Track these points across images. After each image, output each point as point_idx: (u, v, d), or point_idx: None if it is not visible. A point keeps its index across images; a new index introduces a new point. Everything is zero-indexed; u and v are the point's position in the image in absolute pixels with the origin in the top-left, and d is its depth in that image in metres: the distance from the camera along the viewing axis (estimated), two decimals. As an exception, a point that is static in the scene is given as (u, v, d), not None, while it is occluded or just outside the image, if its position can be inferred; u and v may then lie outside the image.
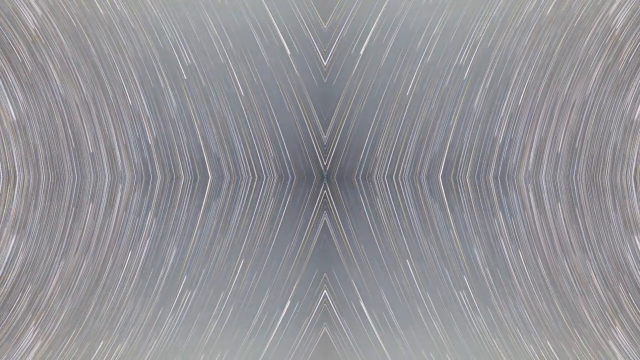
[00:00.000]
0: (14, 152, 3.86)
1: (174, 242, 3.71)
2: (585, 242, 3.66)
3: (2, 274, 3.67)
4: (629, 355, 3.23)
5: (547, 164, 3.73)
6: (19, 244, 3.76)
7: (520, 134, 3.74)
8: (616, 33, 3.62)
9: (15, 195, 3.81)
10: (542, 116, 3.72)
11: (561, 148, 3.71)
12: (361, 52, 3.75)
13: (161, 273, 3.66)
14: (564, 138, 3.72)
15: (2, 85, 3.82)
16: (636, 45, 3.65)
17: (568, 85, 3.70)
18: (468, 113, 3.74)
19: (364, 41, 3.76)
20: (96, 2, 3.77)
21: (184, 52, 3.83)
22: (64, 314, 3.45)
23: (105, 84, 3.82)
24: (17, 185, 3.83)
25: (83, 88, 3.82)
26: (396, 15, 3.77)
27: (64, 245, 3.75)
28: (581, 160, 3.71)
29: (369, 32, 3.75)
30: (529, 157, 3.74)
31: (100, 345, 3.27)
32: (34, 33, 3.79)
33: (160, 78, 3.82)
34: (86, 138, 3.85)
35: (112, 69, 3.82)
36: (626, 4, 3.61)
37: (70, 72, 3.82)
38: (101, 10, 3.77)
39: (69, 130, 3.85)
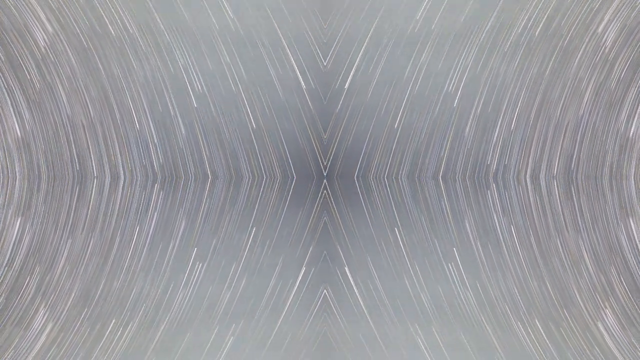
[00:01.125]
0: (16, 169, 3.82)
1: (182, 214, 3.69)
2: (580, 222, 3.64)
3: (9, 257, 3.62)
4: (618, 340, 3.18)
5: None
6: (24, 226, 3.70)
7: (515, 160, 3.72)
8: (606, 50, 3.60)
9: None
10: (536, 140, 3.72)
11: (557, 171, 3.71)
12: (346, 87, 3.72)
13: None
14: (559, 161, 3.71)
15: (9, 102, 3.77)
16: (627, 61, 3.63)
17: (561, 106, 3.68)
18: (459, 142, 3.67)
19: (348, 75, 3.72)
20: (107, 22, 3.73)
21: (195, 79, 3.79)
22: (73, 294, 3.41)
23: (113, 107, 3.79)
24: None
25: (90, 109, 3.79)
26: (381, 46, 3.70)
27: (69, 225, 3.70)
28: (578, 181, 3.70)
29: (353, 65, 3.71)
30: (525, 183, 3.71)
31: (111, 325, 3.24)
32: (43, 51, 3.75)
33: (169, 104, 3.78)
34: (91, 160, 3.81)
35: (121, 91, 3.78)
36: (615, 20, 3.59)
37: (78, 92, 3.78)
38: (112, 31, 3.73)
39: (74, 152, 3.81)
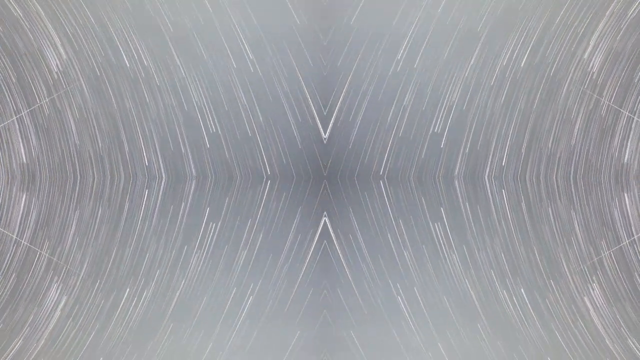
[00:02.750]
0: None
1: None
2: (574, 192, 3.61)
3: (18, 234, 3.57)
4: (603, 314, 3.18)
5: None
6: (30, 200, 3.63)
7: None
8: (594, 77, 3.56)
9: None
10: (529, 175, 3.62)
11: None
12: (326, 137, 3.59)
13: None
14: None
15: (16, 125, 3.67)
16: (616, 86, 3.58)
17: (552, 138, 3.61)
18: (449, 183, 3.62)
19: (329, 120, 3.59)
20: (123, 53, 3.60)
21: (209, 119, 3.66)
22: (85, 265, 3.39)
23: (122, 141, 3.67)
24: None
25: (99, 141, 3.67)
26: (363, 87, 3.57)
27: (76, 194, 3.61)
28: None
29: (334, 110, 3.58)
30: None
31: (126, 293, 3.23)
32: (55, 77, 3.63)
33: (181, 143, 3.66)
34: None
35: (132, 126, 3.67)
36: (600, 44, 3.55)
37: (88, 123, 3.67)
38: (127, 63, 3.60)
39: (78, 182, 3.71)
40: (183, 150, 3.70)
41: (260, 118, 3.70)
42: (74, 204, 3.69)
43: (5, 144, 3.72)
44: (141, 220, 3.65)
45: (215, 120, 3.69)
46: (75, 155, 3.72)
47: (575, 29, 3.57)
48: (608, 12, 3.55)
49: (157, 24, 3.63)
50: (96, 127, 3.70)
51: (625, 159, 3.63)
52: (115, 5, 3.62)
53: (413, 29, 3.60)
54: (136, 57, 3.65)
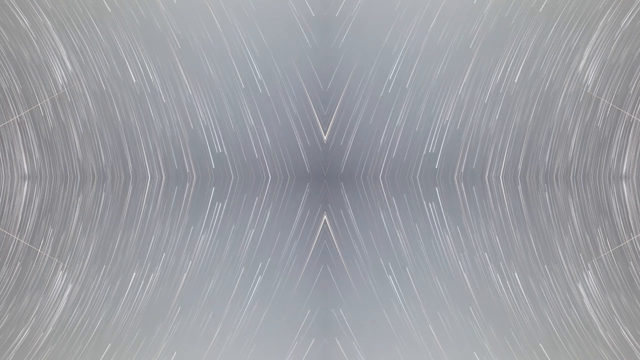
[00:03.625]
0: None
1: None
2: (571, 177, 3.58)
3: (21, 222, 3.53)
4: (597, 302, 3.15)
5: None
6: (32, 187, 3.60)
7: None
8: (589, 89, 3.52)
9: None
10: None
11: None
12: (326, 172, 3.53)
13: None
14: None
15: (19, 136, 3.61)
16: (612, 97, 3.54)
17: (548, 153, 3.57)
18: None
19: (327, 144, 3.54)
20: (130, 68, 3.53)
21: (215, 139, 3.59)
22: (90, 251, 3.35)
23: (126, 157, 3.61)
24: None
25: (102, 157, 3.61)
26: (353, 110, 3.50)
27: (78, 180, 3.57)
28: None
29: (325, 130, 3.51)
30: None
31: (132, 277, 3.19)
32: (61, 89, 3.56)
33: (186, 162, 3.59)
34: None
35: (136, 143, 3.60)
36: (595, 56, 3.51)
37: (92, 138, 3.61)
38: (133, 78, 3.54)
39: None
40: (187, 170, 3.63)
41: (268, 140, 3.63)
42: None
43: (7, 156, 3.66)
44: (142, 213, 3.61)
45: (222, 140, 3.62)
46: (78, 170, 3.66)
47: (569, 41, 3.52)
48: (601, 23, 3.50)
49: (164, 40, 3.56)
50: (100, 142, 3.64)
51: (624, 170, 3.60)
52: (123, 19, 3.55)
53: (404, 48, 3.55)
54: (142, 73, 3.59)
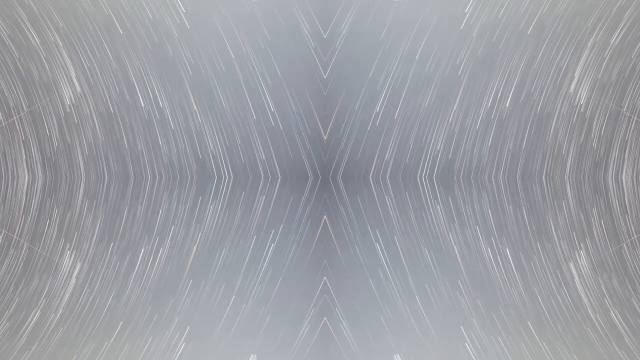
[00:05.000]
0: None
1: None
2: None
3: (25, 203, 3.46)
4: (587, 282, 3.11)
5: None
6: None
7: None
8: (582, 109, 3.49)
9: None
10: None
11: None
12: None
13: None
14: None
15: (24, 155, 3.53)
16: (605, 116, 3.51)
17: (544, 176, 3.54)
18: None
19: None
20: (139, 92, 3.43)
21: (223, 169, 3.48)
22: (97, 229, 3.27)
23: (130, 183, 3.50)
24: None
25: (106, 180, 3.51)
26: (341, 146, 3.46)
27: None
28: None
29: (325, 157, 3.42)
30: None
31: (141, 253, 3.10)
32: (68, 110, 3.47)
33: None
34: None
35: (142, 169, 3.49)
36: (585, 76, 3.49)
37: (97, 161, 3.51)
38: (142, 103, 3.43)
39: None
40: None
41: (278, 171, 3.51)
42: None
43: (10, 175, 3.58)
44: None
45: (230, 171, 3.50)
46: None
47: (559, 63, 3.48)
48: (590, 42, 3.46)
49: (176, 65, 3.45)
50: (105, 166, 3.54)
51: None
52: (134, 42, 3.44)
53: (390, 80, 3.47)
54: (152, 98, 3.48)
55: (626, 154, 3.54)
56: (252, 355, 2.67)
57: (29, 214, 3.52)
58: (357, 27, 3.46)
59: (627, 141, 3.54)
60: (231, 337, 2.75)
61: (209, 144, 3.51)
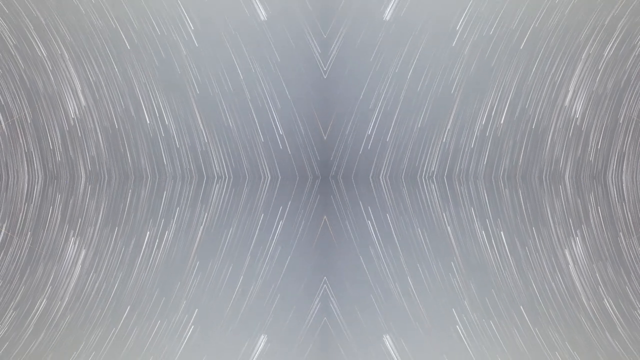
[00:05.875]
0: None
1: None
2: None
3: (28, 190, 3.43)
4: (582, 269, 3.06)
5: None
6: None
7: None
8: (578, 123, 3.47)
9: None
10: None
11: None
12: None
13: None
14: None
15: (25, 167, 3.46)
16: (602, 130, 3.50)
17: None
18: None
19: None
20: (144, 109, 3.35)
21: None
22: (101, 213, 3.21)
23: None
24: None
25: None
26: (332, 169, 3.42)
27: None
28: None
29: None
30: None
31: (147, 236, 3.04)
32: (72, 123, 3.40)
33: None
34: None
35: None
36: (580, 89, 3.46)
37: (100, 178, 3.43)
38: (148, 120, 3.36)
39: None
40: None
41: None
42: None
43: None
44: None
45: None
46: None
47: (553, 77, 3.44)
48: (584, 55, 3.42)
49: (183, 83, 3.37)
50: (106, 182, 3.47)
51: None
52: (141, 58, 3.37)
53: (382, 101, 3.42)
54: (157, 115, 3.40)
55: (624, 166, 3.54)
56: (263, 336, 2.59)
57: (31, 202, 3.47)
58: (347, 47, 3.40)
59: (624, 153, 3.52)
60: (240, 318, 2.69)
61: (214, 165, 3.44)
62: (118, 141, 3.44)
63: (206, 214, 3.33)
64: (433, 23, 3.38)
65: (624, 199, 3.53)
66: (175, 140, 3.42)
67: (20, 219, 3.43)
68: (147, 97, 3.41)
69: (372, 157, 3.45)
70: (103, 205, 3.44)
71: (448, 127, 3.43)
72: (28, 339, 2.60)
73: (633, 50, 3.39)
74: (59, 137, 3.47)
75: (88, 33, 3.37)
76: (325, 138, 3.44)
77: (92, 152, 3.46)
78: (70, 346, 2.53)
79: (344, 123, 3.43)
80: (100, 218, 3.38)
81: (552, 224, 3.38)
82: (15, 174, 3.51)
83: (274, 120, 3.40)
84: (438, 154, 3.46)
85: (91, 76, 3.42)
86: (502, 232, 3.27)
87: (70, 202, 3.46)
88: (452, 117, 3.43)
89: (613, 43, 3.42)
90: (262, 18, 3.33)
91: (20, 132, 3.47)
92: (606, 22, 3.37)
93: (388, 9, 3.38)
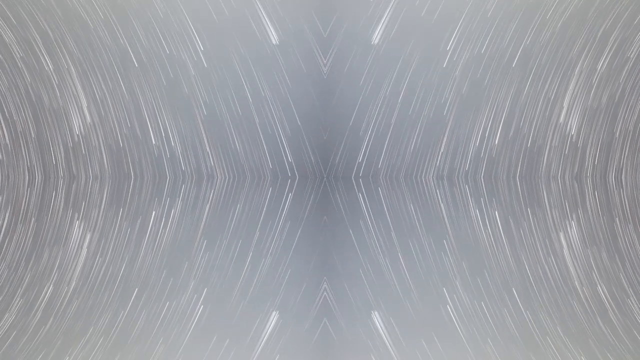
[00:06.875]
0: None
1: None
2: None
3: (29, 180, 3.39)
4: (576, 254, 3.03)
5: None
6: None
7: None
8: (574, 139, 3.46)
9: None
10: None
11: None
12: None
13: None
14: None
15: (27, 182, 3.39)
16: (598, 145, 3.47)
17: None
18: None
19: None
20: (150, 128, 3.27)
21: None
22: (105, 197, 3.15)
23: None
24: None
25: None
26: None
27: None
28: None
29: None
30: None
31: (152, 219, 2.98)
32: (76, 139, 3.33)
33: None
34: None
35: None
36: (575, 104, 3.45)
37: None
38: (153, 140, 3.28)
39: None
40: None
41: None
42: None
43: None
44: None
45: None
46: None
47: (546, 93, 3.40)
48: (577, 70, 3.38)
49: (190, 104, 3.29)
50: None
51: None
52: (149, 77, 3.28)
53: (373, 126, 3.37)
54: (163, 135, 3.32)
55: (622, 177, 3.51)
56: (274, 312, 2.51)
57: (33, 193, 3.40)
58: (338, 68, 3.33)
59: (622, 166, 3.50)
60: (250, 296, 2.62)
61: (217, 180, 3.35)
62: (122, 160, 3.37)
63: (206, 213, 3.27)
64: (423, 44, 3.33)
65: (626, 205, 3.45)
66: (180, 160, 3.34)
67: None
68: (154, 117, 3.33)
69: (365, 185, 3.39)
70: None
71: (441, 150, 3.44)
72: (36, 326, 2.55)
73: (626, 63, 3.35)
74: (62, 153, 3.40)
75: (96, 49, 3.30)
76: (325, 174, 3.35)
77: (95, 170, 3.39)
78: (79, 331, 2.47)
79: (336, 147, 3.36)
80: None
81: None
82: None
83: (282, 146, 3.32)
84: (433, 174, 3.46)
85: (97, 93, 3.34)
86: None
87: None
88: (445, 140, 3.44)
89: (606, 57, 3.41)
90: (273, 42, 3.25)
91: (24, 145, 3.40)
92: (598, 36, 3.33)
93: (376, 33, 3.33)
